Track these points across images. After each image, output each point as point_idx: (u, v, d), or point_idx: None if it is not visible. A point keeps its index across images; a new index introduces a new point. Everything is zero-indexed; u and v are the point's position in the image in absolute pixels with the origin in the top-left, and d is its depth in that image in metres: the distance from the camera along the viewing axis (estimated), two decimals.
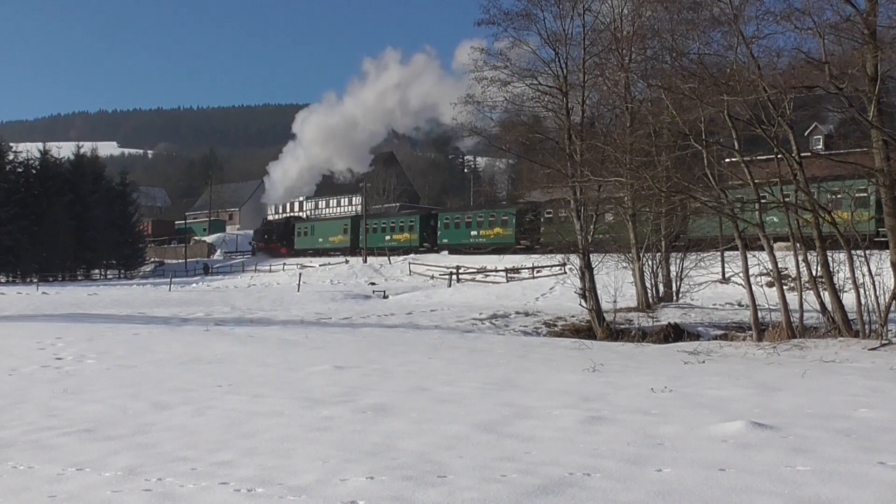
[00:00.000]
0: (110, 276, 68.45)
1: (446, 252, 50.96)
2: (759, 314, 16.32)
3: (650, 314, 23.27)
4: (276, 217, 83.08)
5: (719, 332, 19.24)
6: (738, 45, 15.99)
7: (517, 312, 24.86)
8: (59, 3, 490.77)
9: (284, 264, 59.15)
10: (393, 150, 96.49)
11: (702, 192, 17.64)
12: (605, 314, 21.31)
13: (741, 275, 17.13)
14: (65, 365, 11.96)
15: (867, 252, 15.02)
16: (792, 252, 16.72)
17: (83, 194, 65.87)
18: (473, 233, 50.33)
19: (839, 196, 20.02)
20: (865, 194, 17.06)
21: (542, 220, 43.70)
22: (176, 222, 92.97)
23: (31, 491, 4.87)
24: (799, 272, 16.57)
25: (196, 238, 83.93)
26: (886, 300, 14.38)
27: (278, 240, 69.11)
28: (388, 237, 56.96)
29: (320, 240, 64.80)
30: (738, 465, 4.93)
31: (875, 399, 7.51)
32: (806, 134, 34.64)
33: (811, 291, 15.82)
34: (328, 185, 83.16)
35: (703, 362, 11.72)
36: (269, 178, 78.53)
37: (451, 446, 5.67)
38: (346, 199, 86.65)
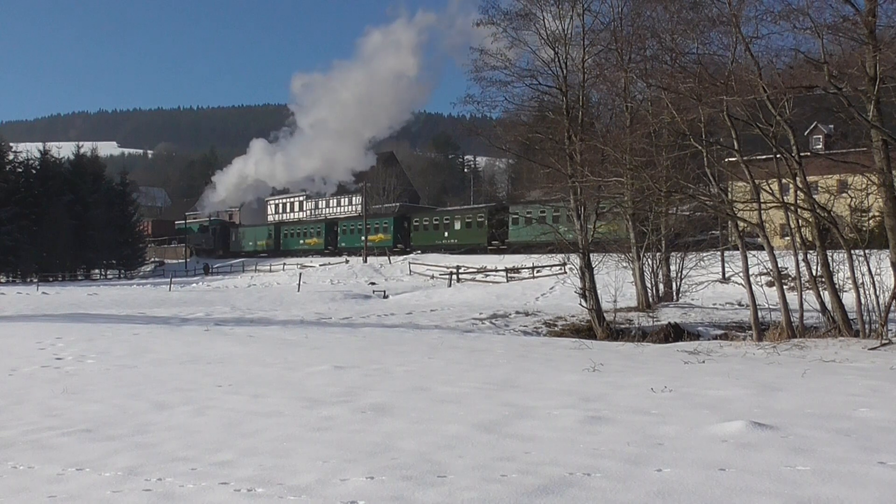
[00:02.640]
0: (110, 276, 68.47)
1: (346, 253, 60.90)
2: (759, 314, 16.32)
3: (650, 314, 23.27)
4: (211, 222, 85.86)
5: (719, 332, 19.24)
6: (736, 44, 16.00)
7: (517, 312, 24.86)
8: (59, 3, 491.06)
9: (284, 264, 59.32)
10: (393, 150, 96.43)
11: (701, 192, 17.65)
12: (605, 314, 21.30)
13: (741, 274, 17.14)
14: (65, 365, 11.96)
15: (867, 251, 15.02)
16: (792, 251, 16.73)
17: (83, 194, 65.89)
18: (363, 237, 59.07)
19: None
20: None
21: (412, 227, 56.42)
22: (176, 222, 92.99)
23: (31, 491, 4.87)
24: (799, 272, 16.58)
25: None
26: (886, 300, 14.38)
27: (216, 243, 77.08)
28: (302, 241, 66.88)
29: (251, 243, 73.34)
30: (738, 465, 4.93)
31: (875, 399, 7.51)
32: (806, 134, 34.64)
33: (811, 291, 15.82)
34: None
35: (703, 362, 11.72)
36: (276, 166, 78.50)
37: (451, 446, 5.67)
38: (346, 199, 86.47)
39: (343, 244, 62.11)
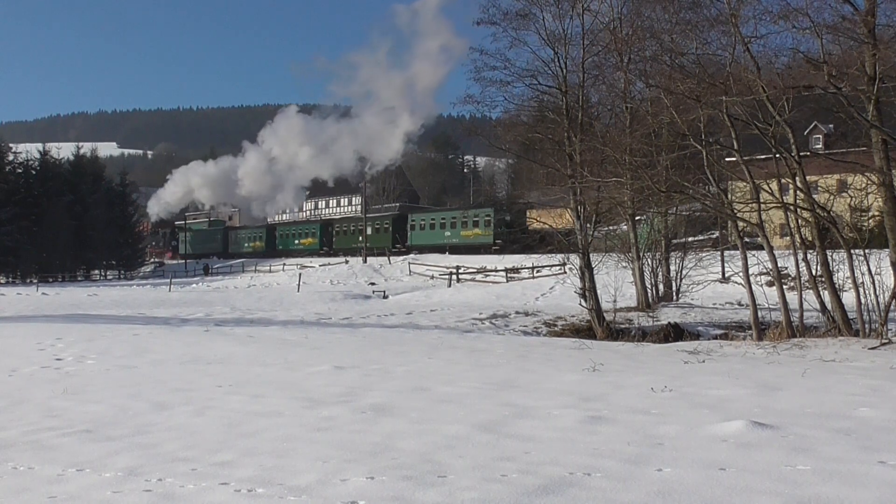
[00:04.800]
0: (110, 277, 68.46)
1: (284, 255, 66.74)
2: (759, 314, 16.31)
3: (650, 314, 23.27)
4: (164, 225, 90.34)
5: (719, 332, 19.24)
6: (735, 44, 15.99)
7: (517, 312, 24.86)
8: (59, 3, 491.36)
9: (284, 265, 59.37)
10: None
11: (701, 192, 17.64)
12: (605, 314, 21.29)
13: (741, 274, 17.14)
14: (65, 365, 11.96)
15: (867, 251, 15.02)
16: (792, 251, 16.73)
17: (83, 195, 65.86)
18: (296, 241, 68.17)
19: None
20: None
21: (334, 232, 64.64)
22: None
23: (31, 491, 4.87)
24: (799, 272, 16.57)
25: None
26: (886, 299, 14.38)
27: (165, 245, 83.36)
28: (247, 245, 73.34)
29: (200, 245, 78.60)
30: (738, 464, 4.93)
31: (875, 398, 7.51)
32: (806, 133, 34.64)
33: (811, 291, 15.81)
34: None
35: (703, 362, 11.72)
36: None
37: (451, 446, 5.67)
38: (346, 199, 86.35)
39: (280, 247, 69.40)
